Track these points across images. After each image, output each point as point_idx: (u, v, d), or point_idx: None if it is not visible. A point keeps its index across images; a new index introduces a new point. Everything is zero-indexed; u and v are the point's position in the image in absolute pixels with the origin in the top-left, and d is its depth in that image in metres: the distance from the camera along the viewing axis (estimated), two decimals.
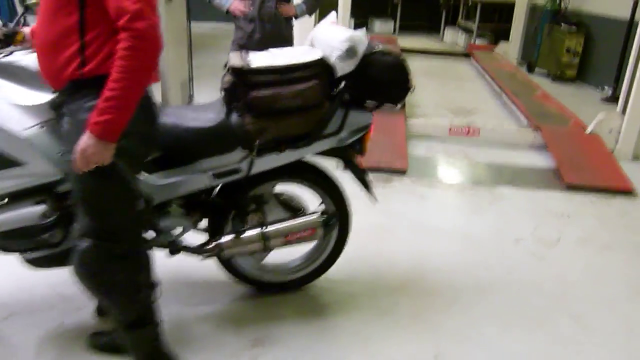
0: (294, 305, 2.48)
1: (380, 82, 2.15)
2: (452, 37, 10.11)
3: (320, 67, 2.09)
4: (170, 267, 2.36)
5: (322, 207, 2.39)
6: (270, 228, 2.26)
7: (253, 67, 2.04)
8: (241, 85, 2.06)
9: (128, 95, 1.60)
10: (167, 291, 2.19)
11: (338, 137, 2.20)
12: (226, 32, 5.03)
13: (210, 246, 2.24)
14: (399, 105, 2.27)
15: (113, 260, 1.79)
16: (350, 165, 2.34)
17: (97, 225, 1.76)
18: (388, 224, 3.30)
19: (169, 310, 2.25)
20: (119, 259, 1.79)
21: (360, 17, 10.63)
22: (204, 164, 2.15)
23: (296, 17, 3.69)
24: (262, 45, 3.42)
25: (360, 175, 2.36)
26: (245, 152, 2.12)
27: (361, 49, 2.06)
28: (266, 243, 2.25)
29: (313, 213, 2.33)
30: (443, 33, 10.54)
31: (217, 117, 2.11)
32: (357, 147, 2.24)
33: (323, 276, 2.56)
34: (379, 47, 2.18)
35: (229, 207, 2.27)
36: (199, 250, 2.25)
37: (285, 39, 3.61)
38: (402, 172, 4.06)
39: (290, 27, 3.69)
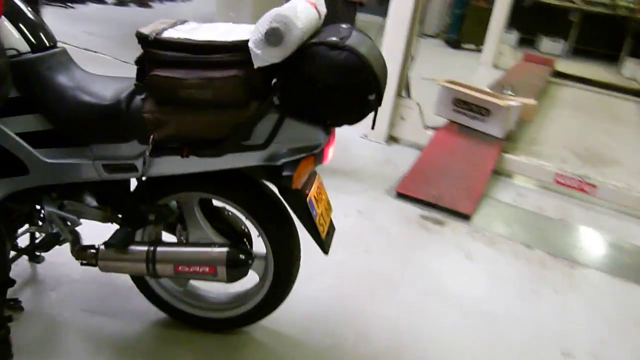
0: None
1: (317, 86, 1.49)
2: (634, 71, 8.42)
3: (248, 54, 1.50)
4: None
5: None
6: (160, 249, 1.75)
7: (160, 38, 1.53)
8: (147, 59, 1.57)
9: None
10: None
11: (265, 153, 1.60)
12: None
13: (86, 251, 1.80)
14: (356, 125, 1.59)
15: None
16: (287, 195, 1.72)
17: None
18: (396, 277, 2.57)
19: None
20: None
21: (527, 32, 9.41)
22: (94, 150, 1.71)
23: (362, 5, 3.06)
24: None
25: (301, 211, 1.72)
26: (143, 147, 1.63)
27: (293, 35, 1.42)
28: (152, 267, 1.74)
29: (221, 245, 1.77)
30: (623, 64, 8.84)
31: (116, 96, 1.64)
32: (287, 172, 1.61)
33: (268, 323, 2.04)
34: (341, 35, 1.52)
35: (118, 210, 1.80)
36: (75, 251, 1.83)
37: None
38: (463, 216, 3.23)
39: (351, 13, 3.07)
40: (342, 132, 4.14)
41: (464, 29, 8.35)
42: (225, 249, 1.72)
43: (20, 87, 1.68)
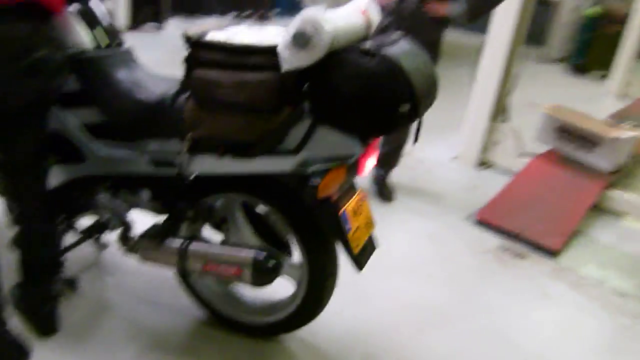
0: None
1: (340, 96, 1.42)
2: None
3: None
4: None
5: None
6: (192, 246, 1.76)
7: (204, 40, 1.57)
8: (192, 60, 1.61)
9: None
10: None
11: (296, 159, 1.56)
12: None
13: (128, 239, 1.87)
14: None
15: None
16: (316, 205, 1.66)
17: None
18: (453, 311, 2.39)
19: None
20: None
21: None
22: (142, 144, 1.78)
23: (448, 21, 2.91)
24: None
25: (330, 223, 1.65)
26: (183, 145, 1.67)
27: (321, 39, 1.37)
28: (182, 262, 1.76)
29: (251, 248, 1.74)
30: None
31: (164, 94, 1.71)
32: (313, 181, 1.55)
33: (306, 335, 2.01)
34: (383, 43, 1.45)
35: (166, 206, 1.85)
36: (120, 238, 1.91)
37: (430, 45, 2.87)
38: (550, 252, 2.93)
39: (440, 31, 2.92)
40: (429, 153, 4.04)
41: (590, 54, 7.72)
42: (252, 252, 1.70)
43: (84, 81, 1.81)
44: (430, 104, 1.56)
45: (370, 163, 1.64)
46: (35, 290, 1.83)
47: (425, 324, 2.27)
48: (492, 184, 3.54)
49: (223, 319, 2.03)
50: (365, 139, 1.55)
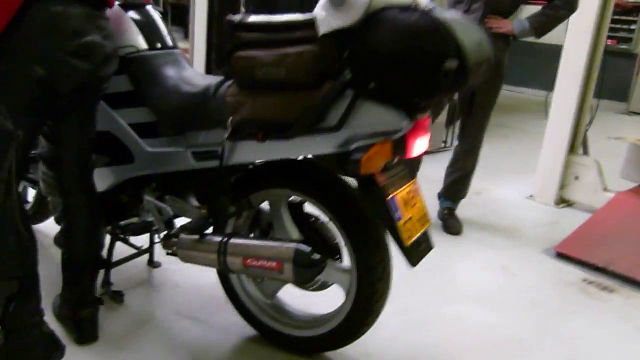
0: None
1: (380, 55, 1.31)
2: None
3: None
4: None
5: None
6: (232, 240, 1.66)
7: (245, 22, 1.55)
8: (234, 43, 1.59)
9: None
10: None
11: (338, 137, 1.46)
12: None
13: (170, 239, 1.79)
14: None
15: None
16: (363, 186, 1.53)
17: None
18: (530, 342, 2.10)
19: None
20: None
21: None
22: (188, 138, 1.75)
23: (514, 38, 2.79)
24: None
25: (378, 207, 1.51)
26: (225, 134, 1.62)
27: None
28: (222, 258, 1.66)
29: (292, 242, 1.61)
30: None
31: (208, 84, 1.69)
32: (356, 155, 1.43)
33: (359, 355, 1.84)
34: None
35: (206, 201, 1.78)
36: (163, 240, 1.84)
37: (494, 64, 2.74)
38: None
39: (503, 50, 2.79)
40: (501, 193, 3.79)
41: None
42: (294, 245, 1.57)
43: (134, 81, 1.83)
44: (483, 74, 1.43)
45: (420, 145, 1.50)
46: (76, 291, 1.78)
47: (494, 352, 2.00)
48: (573, 221, 3.21)
49: (267, 333, 1.89)
50: (411, 112, 1.43)
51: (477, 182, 3.52)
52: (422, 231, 1.60)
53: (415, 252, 1.55)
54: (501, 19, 2.72)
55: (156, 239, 2.27)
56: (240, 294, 1.91)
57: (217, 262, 1.67)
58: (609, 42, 7.08)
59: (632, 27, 8.66)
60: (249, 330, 1.94)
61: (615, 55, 8.04)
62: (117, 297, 2.03)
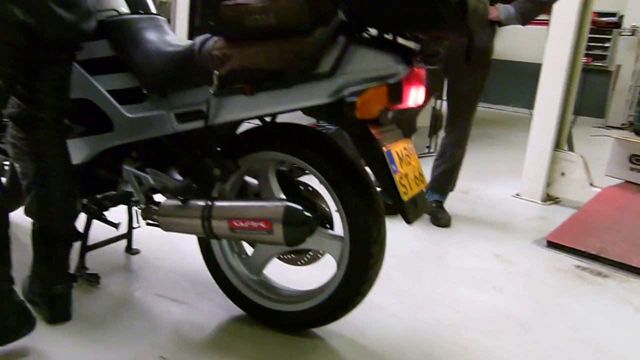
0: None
1: None
2: None
3: None
4: None
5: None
6: (217, 203, 1.57)
7: None
8: None
9: None
10: None
11: (332, 85, 1.39)
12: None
13: (150, 208, 1.69)
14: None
15: None
16: (361, 142, 1.45)
17: None
18: (530, 319, 2.02)
19: None
20: None
21: None
22: (170, 100, 1.67)
23: (500, 24, 2.78)
24: (442, 55, 2.70)
25: (373, 156, 1.44)
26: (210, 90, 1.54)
27: None
28: (207, 223, 1.56)
29: (279, 200, 1.52)
30: None
31: (193, 42, 1.61)
32: (351, 98, 1.36)
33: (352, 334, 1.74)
34: None
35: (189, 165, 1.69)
36: (143, 210, 1.73)
37: (480, 50, 2.74)
38: (638, 272, 2.53)
39: (490, 37, 2.78)
40: (489, 192, 3.74)
41: None
42: (284, 203, 1.48)
43: (115, 46, 1.75)
44: (480, 21, 1.39)
45: (415, 94, 1.44)
46: (48, 265, 1.66)
47: (494, 330, 1.91)
48: (560, 217, 3.15)
49: (255, 311, 1.78)
50: (407, 58, 1.37)
51: (464, 182, 3.49)
52: (418, 190, 1.53)
53: (412, 210, 1.48)
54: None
55: (135, 224, 2.17)
56: (225, 271, 1.80)
57: (202, 227, 1.57)
58: (585, 59, 7.26)
59: (607, 45, 8.87)
60: (235, 311, 1.82)
61: (591, 72, 8.21)
62: (93, 279, 1.91)
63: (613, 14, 8.37)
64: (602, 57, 8.82)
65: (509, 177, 4.05)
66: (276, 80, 1.43)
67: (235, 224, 1.51)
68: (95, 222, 1.97)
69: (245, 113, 1.53)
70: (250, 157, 1.66)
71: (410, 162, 1.53)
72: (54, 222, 1.64)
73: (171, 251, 2.28)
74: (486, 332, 1.88)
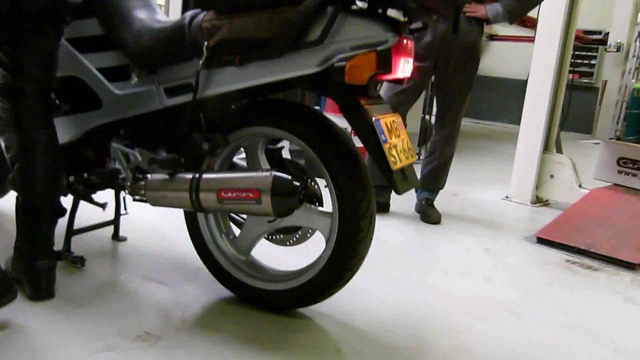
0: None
1: None
2: None
3: None
4: None
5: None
6: (205, 175, 1.55)
7: None
8: None
9: None
10: None
11: (321, 54, 1.40)
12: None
13: (137, 183, 1.67)
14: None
15: None
16: (350, 112, 1.45)
17: None
18: (520, 306, 2.01)
19: None
20: None
21: None
22: (159, 75, 1.66)
23: (488, 22, 2.82)
24: (431, 52, 2.74)
25: (361, 125, 1.44)
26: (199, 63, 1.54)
27: None
28: (195, 196, 1.54)
29: (268, 170, 1.51)
30: None
31: (183, 17, 1.62)
32: (339, 62, 1.36)
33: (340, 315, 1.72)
34: None
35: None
36: (130, 186, 1.71)
37: (468, 47, 2.77)
38: (627, 266, 2.53)
39: (478, 34, 2.82)
40: (479, 195, 3.75)
41: None
42: (272, 171, 1.47)
43: (104, 24, 1.75)
44: None
45: (404, 66, 1.44)
46: (32, 241, 1.63)
47: (485, 315, 1.89)
48: (550, 218, 3.15)
49: (242, 291, 1.75)
50: (395, 27, 1.38)
51: (453, 186, 3.50)
52: (407, 163, 1.53)
53: (401, 181, 1.47)
54: (474, 4, 2.75)
55: (122, 210, 2.14)
56: (213, 252, 1.77)
57: (190, 200, 1.55)
58: (571, 76, 7.37)
59: (593, 62, 9.02)
60: (222, 293, 1.80)
61: (578, 89, 8.34)
62: (79, 261, 1.87)
63: (599, 32, 8.55)
64: (589, 74, 8.98)
65: (497, 183, 4.07)
66: (265, 49, 1.43)
67: (223, 194, 1.49)
68: (82, 209, 1.96)
69: (234, 84, 1.52)
70: (239, 133, 1.65)
71: (400, 135, 1.53)
72: (37, 195, 1.61)
73: (159, 240, 2.25)
74: (477, 317, 1.86)
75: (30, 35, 1.55)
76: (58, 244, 1.87)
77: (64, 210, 1.71)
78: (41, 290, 1.63)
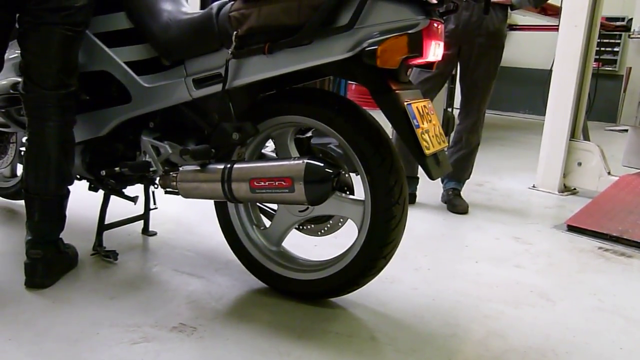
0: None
1: None
2: None
3: None
4: None
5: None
6: (237, 165, 1.55)
7: None
8: None
9: None
10: None
11: (351, 39, 1.39)
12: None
13: (169, 175, 1.68)
14: None
15: None
16: (382, 97, 1.44)
17: None
18: (554, 292, 1.98)
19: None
20: None
21: None
22: (187, 66, 1.67)
23: (512, 7, 2.78)
24: (455, 39, 2.70)
25: (394, 110, 1.42)
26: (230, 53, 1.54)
27: None
28: (227, 186, 1.54)
29: (300, 158, 1.51)
30: None
31: (210, 7, 1.62)
32: (371, 47, 1.35)
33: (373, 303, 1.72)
34: None
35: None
36: (161, 178, 1.72)
37: (492, 34, 2.74)
38: None
39: (502, 20, 2.77)
40: (505, 184, 3.70)
41: None
42: (304, 159, 1.46)
43: (132, 19, 1.76)
44: None
45: (435, 49, 1.43)
46: (29, 228, 1.67)
47: (518, 301, 1.87)
48: (579, 206, 3.10)
49: (274, 281, 1.75)
50: (428, 10, 1.37)
51: (479, 176, 3.47)
52: (439, 148, 1.51)
53: (435, 166, 1.46)
54: None
55: (152, 205, 2.16)
56: (244, 242, 1.78)
57: (222, 190, 1.55)
58: (595, 65, 7.24)
59: (616, 49, 8.85)
60: (255, 284, 1.80)
61: (602, 77, 8.18)
62: (111, 255, 1.89)
63: (622, 19, 8.37)
64: (612, 62, 8.80)
65: (523, 172, 4.01)
66: (295, 36, 1.43)
67: (256, 183, 1.49)
68: (112, 205, 1.98)
69: (264, 73, 1.52)
70: (269, 122, 1.64)
71: (431, 120, 1.52)
72: (28, 184, 1.66)
73: (187, 233, 2.26)
74: (510, 303, 1.84)
75: (33, 27, 1.59)
76: (89, 240, 1.91)
77: (55, 202, 1.70)
78: (34, 279, 1.66)
